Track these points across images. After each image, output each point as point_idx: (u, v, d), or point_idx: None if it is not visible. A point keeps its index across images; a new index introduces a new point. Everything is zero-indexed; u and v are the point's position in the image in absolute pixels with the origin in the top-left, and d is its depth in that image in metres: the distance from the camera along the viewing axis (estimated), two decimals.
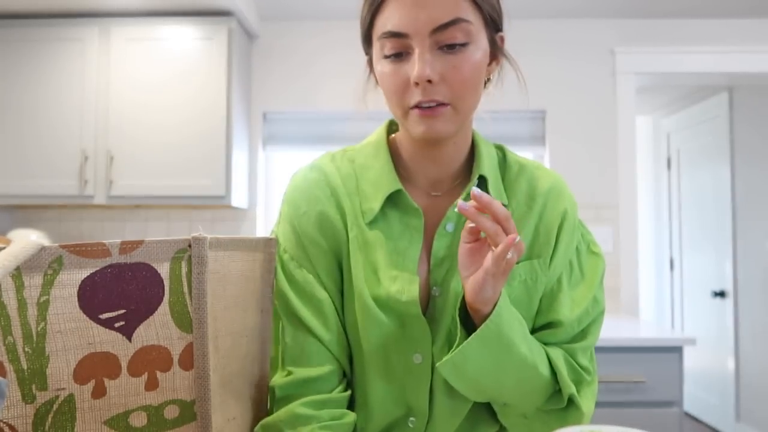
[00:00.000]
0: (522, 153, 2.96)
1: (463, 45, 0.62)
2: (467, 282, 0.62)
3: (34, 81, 2.37)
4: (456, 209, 0.60)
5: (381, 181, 0.71)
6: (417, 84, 0.62)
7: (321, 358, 0.69)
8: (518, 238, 0.57)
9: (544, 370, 0.66)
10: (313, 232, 0.71)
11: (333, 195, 0.72)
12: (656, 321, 4.08)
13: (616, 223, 2.62)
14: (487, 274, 0.58)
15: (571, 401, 0.68)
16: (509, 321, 0.62)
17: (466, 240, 0.61)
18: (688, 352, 3.52)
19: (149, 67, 2.35)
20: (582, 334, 0.71)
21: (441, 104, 0.63)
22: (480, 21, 0.64)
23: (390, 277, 0.68)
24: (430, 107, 0.63)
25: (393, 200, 0.71)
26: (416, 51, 0.61)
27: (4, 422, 0.49)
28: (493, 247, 0.58)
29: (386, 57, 0.64)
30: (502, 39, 0.69)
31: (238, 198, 2.47)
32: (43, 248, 0.49)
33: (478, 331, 0.60)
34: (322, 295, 0.70)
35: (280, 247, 0.72)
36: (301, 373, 0.68)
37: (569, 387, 0.67)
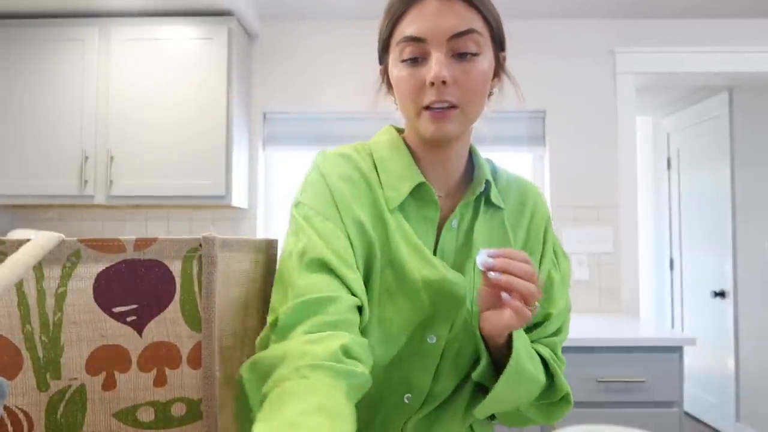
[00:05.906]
0: (522, 153, 2.94)
1: (474, 54, 0.68)
2: (485, 316, 0.68)
3: (34, 81, 2.37)
4: (479, 262, 0.65)
5: (405, 172, 0.74)
6: (432, 84, 0.67)
7: (340, 289, 0.64)
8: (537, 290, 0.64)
9: (542, 376, 0.73)
10: (349, 197, 0.71)
11: (362, 177, 0.73)
12: (656, 321, 4.07)
13: (616, 223, 2.62)
14: (512, 320, 0.64)
15: (563, 397, 0.76)
16: (523, 353, 0.69)
17: (486, 284, 0.66)
18: (688, 352, 3.52)
19: (149, 67, 2.35)
20: (559, 330, 0.78)
21: (451, 106, 0.68)
22: (488, 36, 0.70)
23: (438, 263, 0.71)
24: (441, 109, 0.68)
25: (413, 192, 0.74)
26: (433, 55, 0.67)
27: (19, 408, 0.50)
28: (520, 300, 0.64)
29: (404, 61, 0.69)
30: (504, 58, 0.75)
31: (238, 198, 2.47)
32: (63, 241, 0.50)
33: (503, 375, 0.67)
34: (347, 242, 0.68)
35: (304, 206, 0.71)
36: (313, 295, 0.62)
37: (566, 387, 0.75)
